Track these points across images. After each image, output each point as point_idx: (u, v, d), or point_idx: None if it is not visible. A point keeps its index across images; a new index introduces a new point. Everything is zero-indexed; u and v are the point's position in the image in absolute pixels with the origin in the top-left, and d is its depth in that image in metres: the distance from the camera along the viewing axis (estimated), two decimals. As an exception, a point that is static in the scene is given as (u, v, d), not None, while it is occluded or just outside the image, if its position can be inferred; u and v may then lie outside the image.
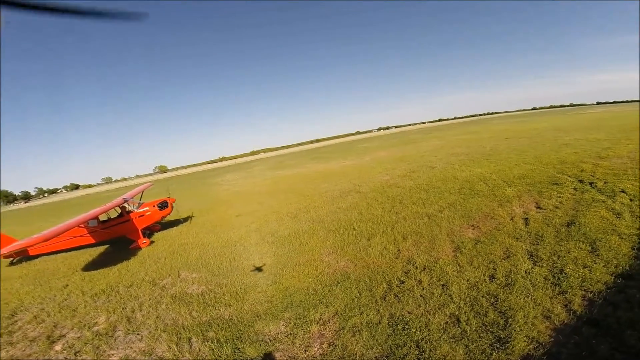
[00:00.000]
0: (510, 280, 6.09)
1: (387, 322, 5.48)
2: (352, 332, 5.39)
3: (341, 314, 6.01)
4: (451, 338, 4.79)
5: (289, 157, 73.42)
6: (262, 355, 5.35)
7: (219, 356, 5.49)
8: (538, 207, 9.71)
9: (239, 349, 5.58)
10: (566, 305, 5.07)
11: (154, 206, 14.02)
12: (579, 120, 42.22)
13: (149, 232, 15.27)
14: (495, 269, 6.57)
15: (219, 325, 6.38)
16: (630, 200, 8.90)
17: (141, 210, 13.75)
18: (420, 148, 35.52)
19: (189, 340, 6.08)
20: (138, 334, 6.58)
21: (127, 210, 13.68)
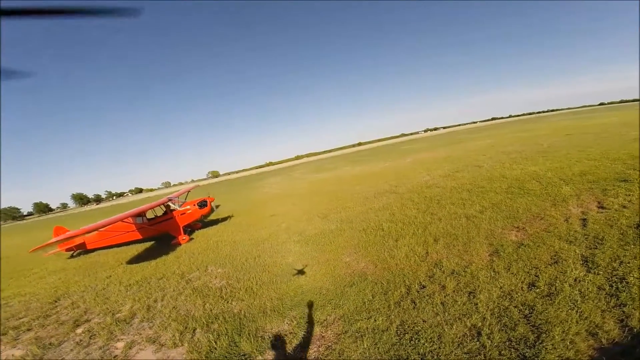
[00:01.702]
0: (554, 289, 4.94)
1: (395, 329, 4.71)
2: (354, 338, 4.72)
3: (347, 316, 5.35)
4: (465, 353, 3.89)
5: (329, 160, 73.07)
6: (255, 350, 4.94)
7: (214, 348, 5.23)
8: (600, 207, 8.08)
9: (235, 342, 5.26)
10: (621, 321, 3.89)
11: (194, 205, 14.48)
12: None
13: (190, 229, 15.81)
14: (537, 276, 5.42)
15: (225, 318, 6.15)
16: None
17: (183, 208, 14.25)
18: (468, 148, 32.79)
19: (194, 330, 5.96)
20: (151, 322, 6.66)
21: (170, 208, 14.27)
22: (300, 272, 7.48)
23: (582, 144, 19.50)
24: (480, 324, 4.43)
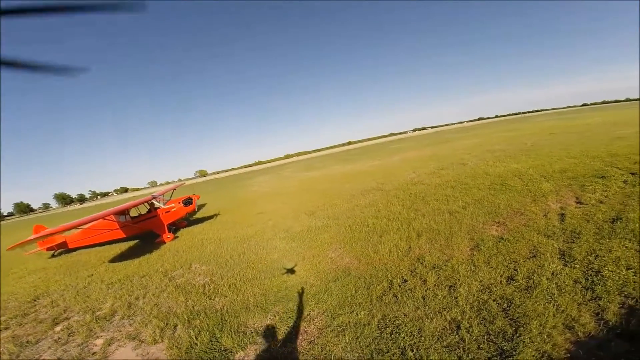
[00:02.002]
0: (532, 282, 4.99)
1: (376, 323, 4.68)
2: (336, 332, 4.67)
3: (330, 311, 5.31)
4: (444, 347, 3.88)
5: (319, 159, 72.76)
6: (236, 346, 4.87)
7: (194, 344, 5.16)
8: (578, 202, 8.23)
9: (216, 338, 5.19)
10: (597, 314, 3.93)
11: (179, 203, 14.23)
12: (636, 115, 37.28)
13: (176, 227, 15.55)
14: (516, 270, 5.47)
15: (207, 314, 6.07)
16: (697, 192, 7.22)
17: (167, 206, 13.98)
18: (454, 146, 33.12)
19: (175, 326, 5.88)
20: (131, 319, 6.55)
21: (155, 206, 13.99)
22: (290, 271, 7.37)
23: (564, 142, 19.88)
24: (459, 317, 4.44)
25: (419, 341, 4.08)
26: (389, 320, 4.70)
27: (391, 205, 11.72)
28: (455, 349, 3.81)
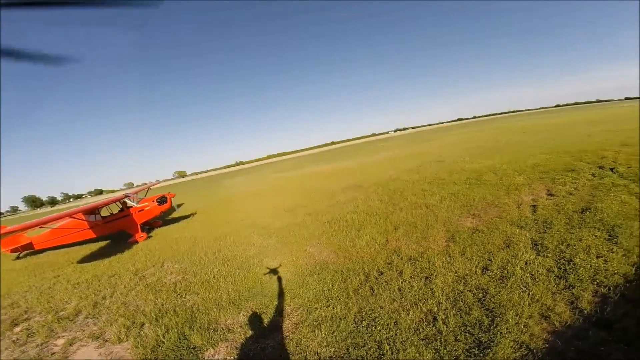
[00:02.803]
0: (506, 272, 4.90)
1: (353, 317, 4.47)
2: (312, 327, 4.42)
3: (307, 305, 5.07)
4: (421, 340, 3.70)
5: (302, 159, 72.25)
6: (206, 343, 4.57)
7: (161, 342, 4.83)
8: (549, 194, 8.33)
9: (185, 336, 4.87)
10: (572, 303, 3.85)
11: (153, 201, 13.58)
12: (603, 114, 38.94)
13: (150, 227, 14.89)
14: (490, 260, 5.39)
15: (176, 312, 5.72)
16: (659, 183, 7.42)
17: (141, 205, 13.33)
18: (433, 145, 33.58)
19: (141, 325, 5.54)
20: (96, 318, 6.18)
21: (127, 205, 13.32)
22: (273, 271, 6.91)
23: (537, 140, 20.45)
24: (435, 308, 4.28)
25: (396, 334, 3.89)
26: (365, 314, 4.50)
27: (370, 201, 11.60)
28: (432, 342, 3.63)
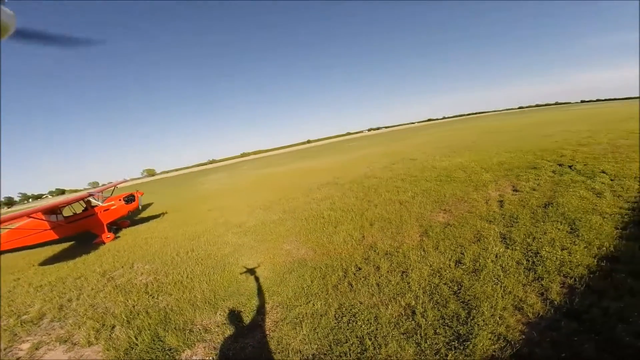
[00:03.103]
0: (478, 265, 5.03)
1: (333, 313, 4.42)
2: (293, 324, 4.34)
3: (286, 303, 4.97)
4: (402, 334, 3.71)
5: (278, 157, 71.20)
6: (182, 344, 4.38)
7: (134, 344, 4.60)
8: (515, 190, 8.70)
9: (159, 337, 4.65)
10: (542, 294, 4.00)
11: (119, 200, 12.80)
12: (561, 116, 41.45)
13: (117, 227, 14.11)
14: (463, 254, 5.52)
15: (148, 314, 5.45)
16: (611, 180, 7.88)
17: (106, 204, 12.56)
18: (406, 144, 34.32)
19: (112, 327, 5.26)
20: (63, 321, 5.84)
21: (92, 204, 12.52)
22: (250, 270, 6.65)
23: (501, 140, 21.41)
24: (414, 302, 4.31)
25: (377, 329, 3.88)
26: (346, 309, 4.46)
27: (346, 198, 11.62)
28: (413, 335, 3.64)
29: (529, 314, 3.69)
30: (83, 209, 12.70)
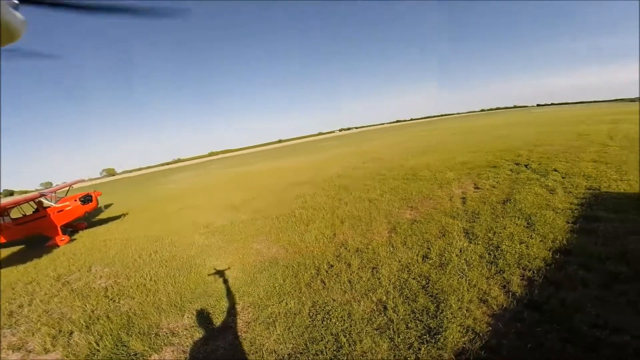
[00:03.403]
0: (444, 259, 5.19)
1: (307, 311, 4.36)
2: (266, 324, 4.22)
3: (258, 303, 4.83)
4: (375, 330, 3.72)
5: (248, 157, 69.58)
6: (148, 349, 4.14)
7: (96, 350, 4.32)
8: (476, 187, 9.15)
9: (122, 342, 4.39)
10: (504, 287, 4.18)
11: (75, 200, 11.84)
12: (519, 118, 44.42)
13: (72, 229, 13.09)
14: (429, 249, 5.67)
15: (109, 318, 5.11)
16: (562, 177, 8.58)
17: (60, 205, 11.60)
18: (375, 144, 35.00)
19: (70, 333, 4.89)
20: (14, 328, 5.39)
21: (43, 205, 11.52)
22: (220, 273, 6.30)
23: (464, 140, 22.60)
24: (385, 297, 4.35)
25: (350, 326, 3.86)
26: (319, 307, 4.42)
27: (317, 197, 11.59)
28: (386, 330, 3.66)
29: (493, 306, 3.84)
30: (34, 210, 11.66)
